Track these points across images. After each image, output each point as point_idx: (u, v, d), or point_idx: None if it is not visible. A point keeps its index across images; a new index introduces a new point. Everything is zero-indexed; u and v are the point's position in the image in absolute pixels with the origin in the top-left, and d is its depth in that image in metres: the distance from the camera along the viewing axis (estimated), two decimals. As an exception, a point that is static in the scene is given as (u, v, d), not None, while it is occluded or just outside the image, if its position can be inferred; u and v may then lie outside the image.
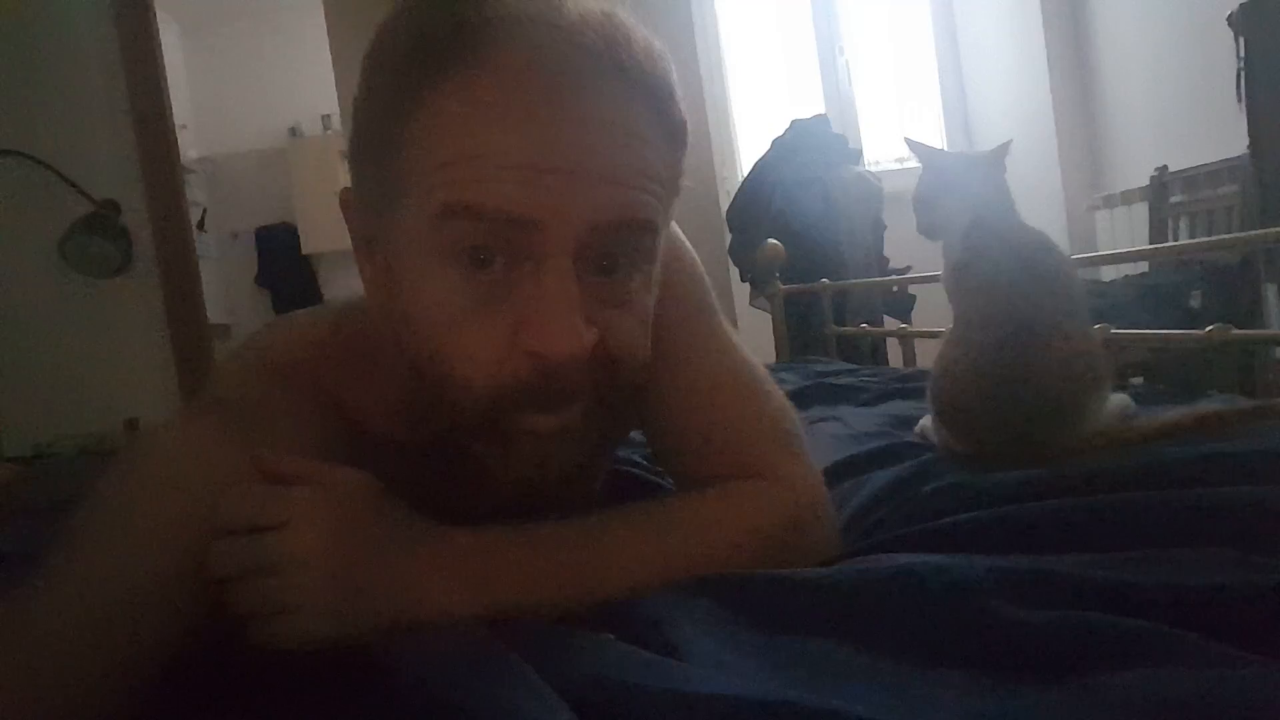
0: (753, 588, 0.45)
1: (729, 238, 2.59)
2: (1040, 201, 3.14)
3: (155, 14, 2.39)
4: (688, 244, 0.67)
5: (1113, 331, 1.12)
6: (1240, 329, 0.99)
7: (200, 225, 4.50)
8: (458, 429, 0.52)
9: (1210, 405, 0.82)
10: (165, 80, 2.40)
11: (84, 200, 2.23)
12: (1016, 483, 0.58)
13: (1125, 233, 2.78)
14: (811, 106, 3.21)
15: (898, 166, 3.52)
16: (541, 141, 0.45)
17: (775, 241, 2.01)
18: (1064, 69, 3.12)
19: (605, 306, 0.49)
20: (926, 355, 0.84)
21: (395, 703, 0.36)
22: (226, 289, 4.86)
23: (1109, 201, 2.91)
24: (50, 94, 2.27)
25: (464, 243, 0.47)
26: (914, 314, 2.37)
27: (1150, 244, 2.51)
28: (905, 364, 1.80)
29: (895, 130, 3.60)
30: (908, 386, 1.21)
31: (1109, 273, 2.47)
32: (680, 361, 0.60)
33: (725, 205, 2.64)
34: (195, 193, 4.30)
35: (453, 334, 0.48)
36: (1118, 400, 0.81)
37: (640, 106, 0.48)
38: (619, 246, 0.49)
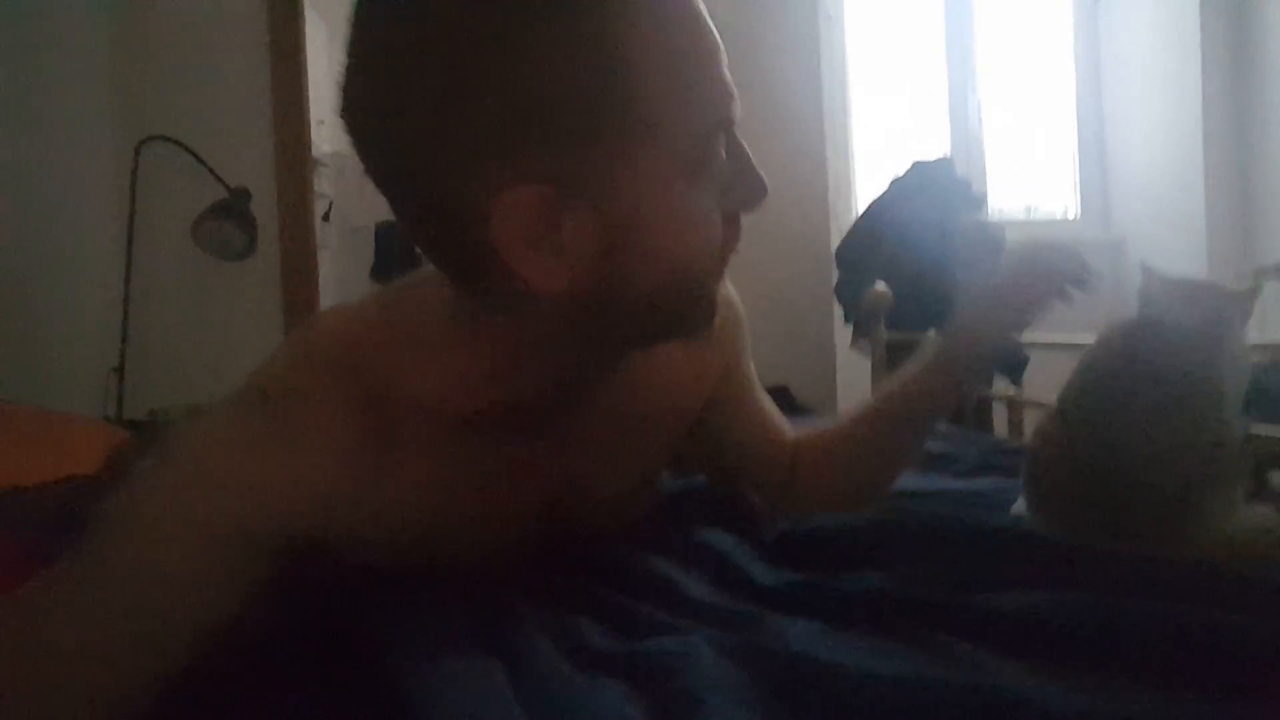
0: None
1: (835, 275, 2.51)
2: (1180, 269, 2.91)
3: (305, 15, 2.53)
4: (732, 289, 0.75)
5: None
6: None
7: (325, 217, 4.72)
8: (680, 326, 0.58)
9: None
10: (307, 77, 2.53)
11: (219, 186, 2.36)
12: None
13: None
14: (937, 146, 3.09)
15: (1024, 217, 3.35)
16: (711, 34, 0.51)
17: (883, 286, 1.92)
18: (1221, 123, 2.88)
19: None
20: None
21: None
22: (342, 280, 5.08)
23: (1260, 274, 2.66)
24: (199, 83, 2.42)
25: (719, 148, 0.51)
26: (1026, 377, 2.22)
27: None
28: (1010, 434, 1.68)
29: (1024, 177, 3.43)
30: (1012, 462, 1.11)
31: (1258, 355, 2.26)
32: (744, 386, 0.81)
33: (834, 242, 2.56)
34: (323, 185, 4.51)
35: (708, 236, 0.53)
36: (1262, 514, 0.71)
37: None
38: None
